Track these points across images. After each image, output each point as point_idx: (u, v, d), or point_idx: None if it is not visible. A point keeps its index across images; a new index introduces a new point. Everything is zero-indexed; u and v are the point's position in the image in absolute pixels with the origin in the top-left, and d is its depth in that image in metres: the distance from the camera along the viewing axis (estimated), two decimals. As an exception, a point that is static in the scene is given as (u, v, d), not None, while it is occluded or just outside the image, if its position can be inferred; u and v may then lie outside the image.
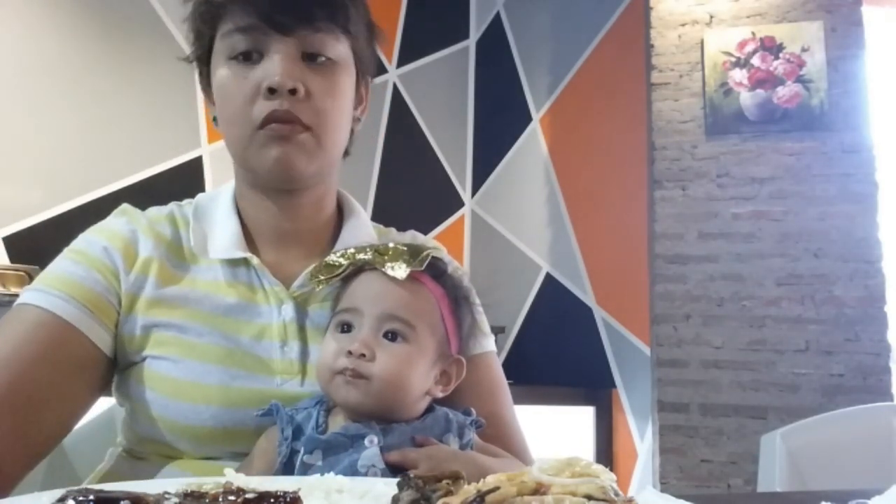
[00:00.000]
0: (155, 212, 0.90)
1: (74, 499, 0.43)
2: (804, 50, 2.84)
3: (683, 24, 2.99)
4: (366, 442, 0.69)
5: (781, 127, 2.84)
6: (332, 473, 0.60)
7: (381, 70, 3.49)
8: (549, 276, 3.50)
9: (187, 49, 0.89)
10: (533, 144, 3.64)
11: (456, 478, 0.48)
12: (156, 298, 0.81)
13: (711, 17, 2.97)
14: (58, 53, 2.43)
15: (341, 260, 0.78)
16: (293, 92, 0.78)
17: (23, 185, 2.32)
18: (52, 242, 0.87)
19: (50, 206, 2.36)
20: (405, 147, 3.59)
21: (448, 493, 0.46)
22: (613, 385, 3.26)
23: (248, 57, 0.80)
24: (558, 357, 3.38)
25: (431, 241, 0.97)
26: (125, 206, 0.90)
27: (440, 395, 0.78)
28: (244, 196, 0.90)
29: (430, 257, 0.77)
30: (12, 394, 0.72)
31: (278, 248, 0.89)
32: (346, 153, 0.93)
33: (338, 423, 0.73)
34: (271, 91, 0.78)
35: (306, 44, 0.80)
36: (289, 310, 0.83)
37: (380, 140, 3.51)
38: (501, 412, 0.89)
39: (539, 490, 0.45)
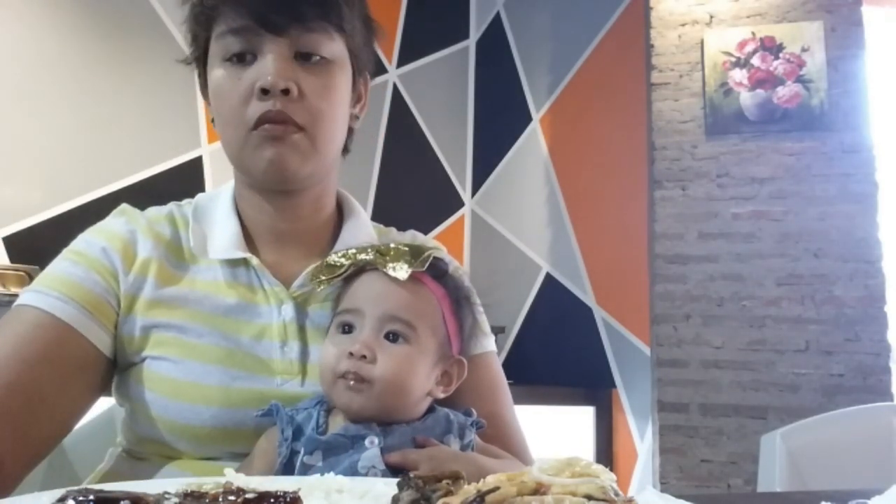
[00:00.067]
0: (154, 212, 0.90)
1: (74, 499, 0.43)
2: (804, 50, 2.84)
3: (683, 24, 2.99)
4: (366, 443, 0.69)
5: (781, 127, 2.84)
6: (332, 474, 0.60)
7: (381, 70, 3.49)
8: (549, 276, 3.50)
9: (187, 50, 0.89)
10: (533, 144, 3.64)
11: (456, 478, 0.48)
12: (155, 299, 0.81)
13: (711, 17, 2.97)
14: (58, 53, 2.43)
15: (342, 260, 0.78)
16: (286, 92, 0.78)
17: (23, 185, 2.32)
18: (52, 242, 0.87)
19: (50, 206, 2.36)
20: (405, 147, 3.59)
21: (448, 493, 0.46)
22: (613, 385, 3.26)
23: (242, 58, 0.80)
24: (558, 357, 3.38)
25: (432, 241, 0.97)
26: (124, 207, 0.90)
27: (441, 395, 0.78)
28: (243, 196, 0.90)
29: (431, 258, 0.77)
30: (11, 395, 0.72)
31: (278, 249, 0.89)
32: (346, 151, 0.93)
33: (338, 423, 0.73)
34: (264, 91, 0.78)
35: (299, 43, 0.80)
36: (289, 310, 0.83)
37: (380, 140, 3.51)
38: (501, 412, 0.89)
39: (539, 490, 0.45)
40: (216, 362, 0.79)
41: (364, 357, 0.72)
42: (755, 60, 2.88)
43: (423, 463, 0.68)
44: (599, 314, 3.34)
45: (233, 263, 0.85)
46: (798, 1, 2.89)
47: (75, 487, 0.45)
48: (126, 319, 0.81)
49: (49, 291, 0.78)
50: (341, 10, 0.82)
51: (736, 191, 2.86)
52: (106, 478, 0.82)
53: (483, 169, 3.77)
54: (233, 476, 0.52)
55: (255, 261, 0.84)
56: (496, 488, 0.44)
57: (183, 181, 2.68)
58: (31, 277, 1.96)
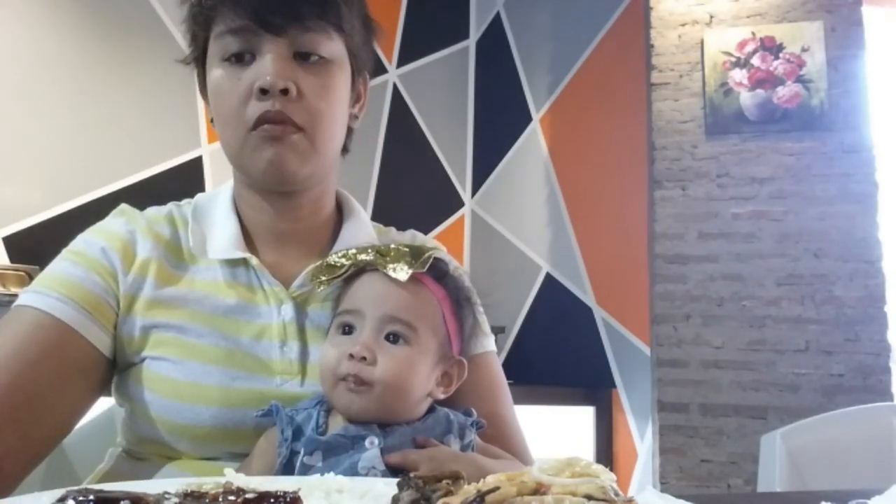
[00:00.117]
0: (153, 212, 0.90)
1: (74, 499, 0.43)
2: (804, 50, 2.84)
3: (683, 24, 2.99)
4: (366, 443, 0.69)
5: (781, 127, 2.84)
6: (332, 474, 0.60)
7: (381, 70, 3.49)
8: (549, 276, 3.50)
9: (187, 50, 0.89)
10: (533, 144, 3.64)
11: (456, 478, 0.48)
12: (155, 299, 0.81)
13: (711, 17, 2.97)
14: (58, 53, 2.43)
15: (343, 260, 0.77)
16: (285, 92, 0.78)
17: (23, 185, 2.32)
18: (52, 242, 0.87)
19: (50, 206, 2.36)
20: (405, 147, 3.59)
21: (448, 493, 0.46)
22: (613, 385, 3.26)
23: (241, 58, 0.80)
24: (558, 357, 3.38)
25: (432, 241, 0.97)
26: (123, 207, 0.90)
27: (441, 396, 0.78)
28: (242, 196, 0.90)
29: (432, 259, 0.77)
30: (11, 396, 0.72)
31: (277, 249, 0.89)
32: (346, 150, 0.93)
33: (338, 423, 0.73)
34: (263, 92, 0.78)
35: (298, 43, 0.80)
36: (288, 310, 0.83)
37: (380, 140, 3.51)
38: (501, 412, 0.89)
39: (539, 490, 0.45)
40: (216, 362, 0.78)
41: (364, 359, 0.72)
42: (755, 60, 2.88)
43: (424, 463, 0.68)
44: (599, 314, 3.34)
45: (232, 263, 0.85)
46: (798, 1, 2.89)
47: (75, 487, 0.45)
48: (125, 320, 0.81)
49: (48, 292, 0.78)
50: (340, 9, 0.82)
51: (736, 191, 2.86)
52: (106, 478, 0.82)
53: (483, 169, 3.77)
54: (233, 476, 0.52)
55: (254, 261, 0.84)
56: (496, 488, 0.44)
57: (183, 181, 2.68)
58: (30, 277, 1.96)
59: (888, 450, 1.41)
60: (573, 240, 3.46)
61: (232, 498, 0.45)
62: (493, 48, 3.80)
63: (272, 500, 0.45)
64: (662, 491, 0.83)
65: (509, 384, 0.95)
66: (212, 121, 0.87)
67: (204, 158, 2.78)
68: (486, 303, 0.87)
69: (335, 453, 0.69)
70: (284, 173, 0.81)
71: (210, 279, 0.84)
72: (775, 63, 2.86)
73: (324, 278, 0.77)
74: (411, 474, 0.50)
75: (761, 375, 2.73)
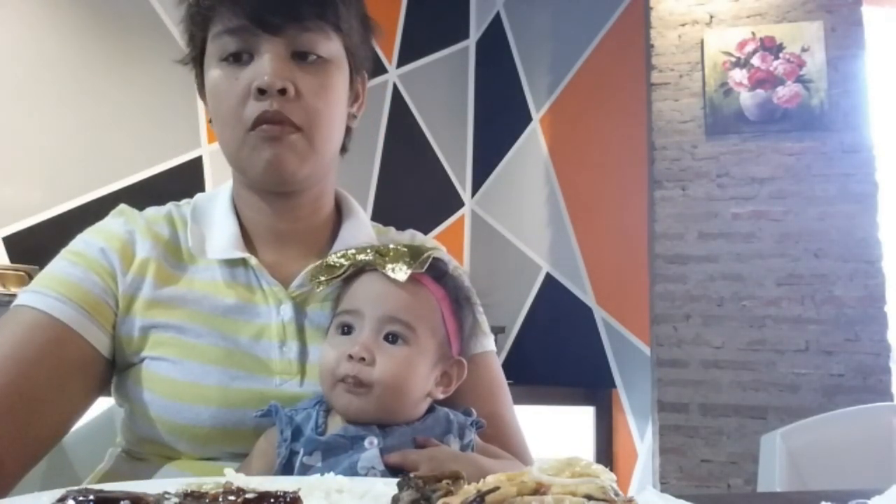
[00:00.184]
0: (153, 212, 0.90)
1: (74, 499, 0.43)
2: (804, 50, 2.84)
3: (683, 24, 2.99)
4: (365, 443, 0.69)
5: (781, 127, 2.84)
6: (331, 474, 0.60)
7: (381, 70, 3.49)
8: (549, 276, 3.50)
9: (186, 50, 0.89)
10: (533, 144, 3.64)
11: (456, 478, 0.48)
12: (154, 299, 0.81)
13: (711, 17, 2.97)
14: (58, 53, 2.43)
15: (342, 261, 0.77)
16: (283, 92, 0.78)
17: (23, 185, 2.32)
18: (52, 242, 0.87)
19: (50, 206, 2.36)
20: (405, 147, 3.59)
21: (448, 494, 0.46)
22: (613, 385, 3.26)
23: (239, 58, 0.80)
24: (558, 357, 3.38)
25: (431, 241, 0.97)
26: (123, 207, 0.90)
27: (441, 396, 0.78)
28: (241, 196, 0.90)
29: (430, 258, 0.77)
30: (9, 395, 0.72)
31: (276, 249, 0.89)
32: (345, 150, 0.93)
33: (337, 423, 0.73)
34: (261, 91, 0.78)
35: (296, 43, 0.80)
36: (287, 310, 0.83)
37: (380, 140, 3.51)
38: (501, 412, 0.89)
39: (539, 490, 0.44)
40: (215, 362, 0.78)
41: (363, 359, 0.72)
42: (755, 60, 2.88)
43: (423, 463, 0.68)
44: (599, 314, 3.34)
45: (231, 263, 0.85)
46: (798, 1, 2.89)
47: (75, 487, 0.45)
48: (124, 320, 0.81)
49: (47, 292, 0.78)
50: (338, 9, 0.82)
51: (736, 191, 2.86)
52: (105, 478, 0.82)
53: (483, 169, 3.77)
54: (233, 476, 0.52)
55: (253, 261, 0.84)
56: (496, 488, 0.44)
57: (183, 181, 2.68)
58: (30, 277, 1.96)
59: (888, 450, 1.41)
60: (573, 240, 3.46)
61: (232, 498, 0.45)
62: (493, 48, 3.80)
63: (272, 500, 0.45)
64: (662, 491, 0.83)
65: (509, 384, 0.95)
66: (210, 121, 0.87)
67: (204, 158, 2.78)
68: (486, 303, 0.87)
69: (334, 453, 0.69)
70: (283, 173, 0.81)
71: (209, 279, 0.84)
72: (775, 63, 2.86)
73: (323, 279, 0.77)
74: (411, 474, 0.50)
75: (761, 375, 2.73)
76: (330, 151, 0.86)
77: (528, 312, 3.52)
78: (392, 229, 1.01)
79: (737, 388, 2.75)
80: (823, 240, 2.75)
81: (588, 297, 3.38)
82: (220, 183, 0.98)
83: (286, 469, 0.70)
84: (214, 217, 0.89)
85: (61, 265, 0.81)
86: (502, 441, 0.85)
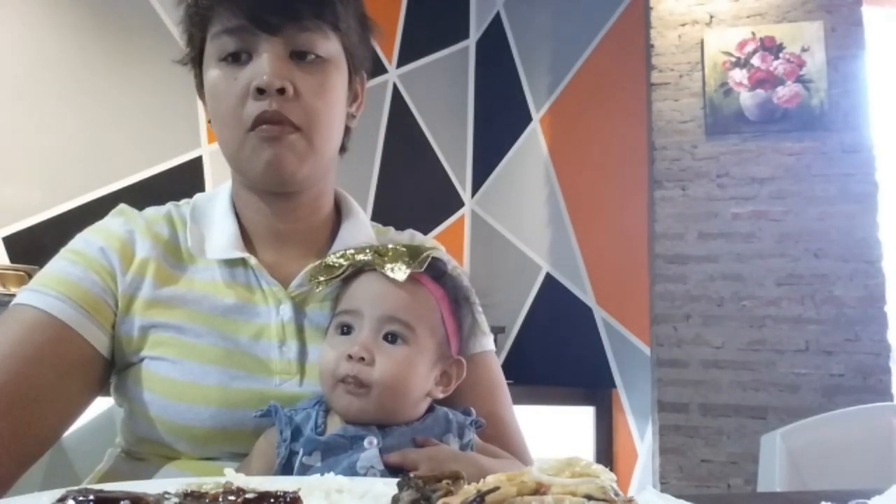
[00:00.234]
0: (152, 212, 0.90)
1: (74, 499, 0.43)
2: (804, 50, 2.84)
3: (683, 24, 2.99)
4: (365, 443, 0.69)
5: (781, 127, 2.84)
6: (331, 474, 0.60)
7: (381, 70, 3.49)
8: (549, 276, 3.50)
9: (185, 50, 0.89)
10: (533, 144, 3.64)
11: (456, 478, 0.48)
12: (153, 299, 0.81)
13: (711, 17, 2.97)
14: (58, 53, 2.43)
15: (341, 261, 0.77)
16: (282, 91, 0.78)
17: (23, 185, 2.32)
18: (52, 242, 0.87)
19: (50, 206, 2.36)
20: (405, 147, 3.59)
21: (448, 493, 0.46)
22: (613, 385, 3.26)
23: (237, 58, 0.80)
24: (558, 357, 3.38)
25: (430, 241, 0.97)
26: (122, 207, 0.90)
27: (440, 396, 0.78)
28: (241, 197, 0.90)
29: (430, 258, 0.77)
30: (8, 394, 0.72)
31: (276, 249, 0.89)
32: (344, 150, 0.93)
33: (337, 423, 0.73)
34: (260, 91, 0.78)
35: (295, 42, 0.80)
36: (287, 310, 0.83)
37: (380, 140, 3.51)
38: (500, 412, 0.89)
39: (539, 490, 0.44)
40: (214, 362, 0.78)
41: (363, 359, 0.72)
42: (755, 60, 2.88)
43: (423, 463, 0.68)
44: (599, 314, 3.34)
45: (231, 263, 0.85)
46: (798, 1, 2.89)
47: (75, 487, 0.45)
48: (124, 319, 0.81)
49: (47, 291, 0.78)
50: (336, 8, 0.82)
51: (736, 191, 2.86)
52: (104, 478, 0.82)
53: (483, 169, 3.77)
54: (233, 476, 0.52)
55: (252, 261, 0.84)
56: (496, 488, 0.44)
57: (183, 181, 2.68)
58: (30, 277, 1.95)
59: (888, 450, 1.41)
60: (573, 240, 3.46)
61: (232, 498, 0.45)
62: (493, 48, 3.80)
63: (272, 500, 0.45)
64: (662, 491, 0.83)
65: (509, 384, 0.95)
66: (209, 121, 0.87)
67: (204, 158, 2.78)
68: (486, 303, 0.87)
69: (334, 453, 0.69)
70: (283, 174, 0.81)
71: (209, 279, 0.84)
72: (775, 63, 2.86)
73: (322, 279, 0.77)
74: (411, 474, 0.50)
75: (761, 375, 2.73)
76: (329, 151, 0.86)
77: (528, 312, 3.52)
78: (391, 229, 1.01)
79: (737, 388, 2.75)
80: (823, 240, 2.75)
81: (588, 297, 3.38)
82: (220, 183, 0.98)
83: (286, 469, 0.70)
84: (214, 217, 0.89)
85: (61, 264, 0.81)
86: (502, 441, 0.85)
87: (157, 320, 0.80)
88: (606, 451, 3.16)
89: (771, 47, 2.87)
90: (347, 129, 0.91)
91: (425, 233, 1.02)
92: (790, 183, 2.81)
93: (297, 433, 0.72)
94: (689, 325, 2.83)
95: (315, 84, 0.81)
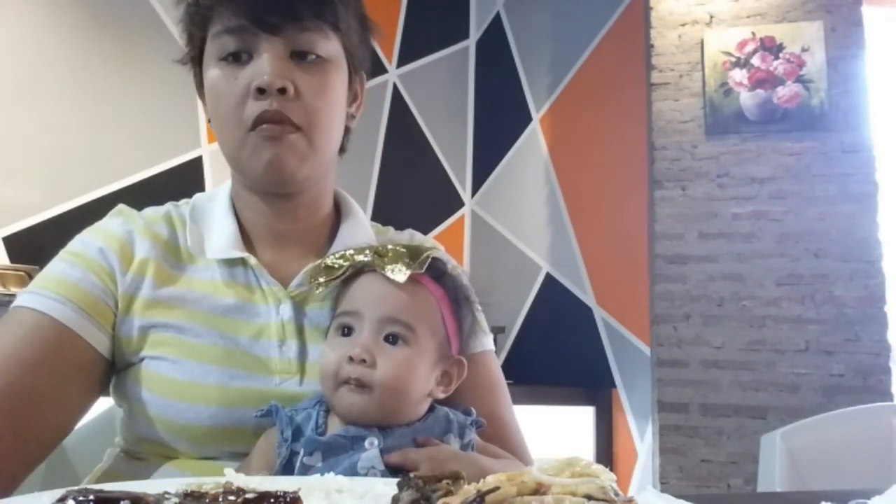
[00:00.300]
0: (151, 212, 0.90)
1: (74, 499, 0.43)
2: (804, 50, 2.84)
3: (683, 24, 2.99)
4: (366, 444, 0.69)
5: (781, 127, 2.84)
6: (331, 474, 0.60)
7: (381, 70, 3.49)
8: (549, 276, 3.50)
9: (185, 50, 0.89)
10: (533, 144, 3.64)
11: (456, 478, 0.48)
12: (153, 299, 0.81)
13: (711, 17, 2.97)
14: (58, 53, 2.43)
15: (340, 262, 0.77)
16: (282, 91, 0.78)
17: (23, 185, 2.32)
18: (52, 242, 0.87)
19: (50, 206, 2.36)
20: (405, 147, 3.59)
21: (448, 493, 0.46)
22: (613, 385, 3.26)
23: (238, 57, 0.80)
24: (558, 357, 3.38)
25: (430, 241, 0.97)
26: (121, 207, 0.90)
27: (441, 396, 0.78)
28: (240, 196, 0.90)
29: (430, 259, 0.77)
30: (10, 397, 0.72)
31: (275, 248, 0.89)
32: (343, 150, 0.93)
33: (337, 423, 0.73)
34: (260, 91, 0.78)
35: (295, 42, 0.80)
36: (287, 309, 0.83)
37: (380, 140, 3.51)
38: (500, 412, 0.89)
39: (539, 490, 0.44)
40: (214, 362, 0.78)
41: (364, 361, 0.71)
42: (755, 60, 2.88)
43: (424, 463, 0.68)
44: (599, 314, 3.34)
45: (230, 263, 0.85)
46: (798, 1, 2.89)
47: (75, 487, 0.45)
48: (124, 320, 0.81)
49: (46, 293, 0.78)
50: (336, 8, 0.82)
51: (736, 191, 2.86)
52: (104, 478, 0.82)
53: (483, 169, 3.77)
54: (233, 476, 0.52)
55: (252, 260, 0.84)
56: (496, 488, 0.44)
57: (183, 181, 2.68)
58: (30, 277, 1.96)
59: (888, 450, 1.41)
60: (573, 240, 3.46)
61: (232, 498, 0.45)
62: (493, 48, 3.80)
63: (272, 500, 0.45)
64: (662, 491, 0.83)
65: (509, 384, 0.95)
66: (209, 121, 0.87)
67: (204, 158, 2.78)
68: (486, 303, 0.87)
69: (335, 454, 0.69)
70: (283, 174, 0.81)
71: (208, 279, 0.84)
72: (775, 63, 2.86)
73: (322, 280, 0.77)
74: (411, 474, 0.50)
75: (761, 375, 2.73)
76: (329, 151, 0.86)
77: (528, 312, 3.52)
78: (391, 229, 1.01)
79: (737, 388, 2.75)
80: (823, 240, 2.75)
81: (588, 297, 3.38)
82: (220, 183, 0.98)
83: (286, 469, 0.70)
84: (213, 217, 0.89)
85: (60, 266, 0.81)
86: (502, 440, 0.85)
87: (157, 320, 0.80)
88: (606, 451, 3.16)
89: (771, 47, 2.87)
90: (347, 130, 0.91)
91: (425, 233, 1.02)
92: (790, 183, 2.81)
93: (297, 433, 0.71)
94: (689, 325, 2.83)
95: (315, 84, 0.81)
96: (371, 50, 0.93)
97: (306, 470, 0.68)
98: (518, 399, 0.95)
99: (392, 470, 0.68)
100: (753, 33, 2.90)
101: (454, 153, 3.75)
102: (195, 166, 2.76)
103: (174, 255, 0.86)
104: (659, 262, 2.91)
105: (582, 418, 3.19)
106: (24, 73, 2.35)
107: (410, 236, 1.00)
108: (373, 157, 3.49)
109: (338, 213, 0.95)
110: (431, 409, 0.77)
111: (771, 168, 2.83)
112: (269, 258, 0.87)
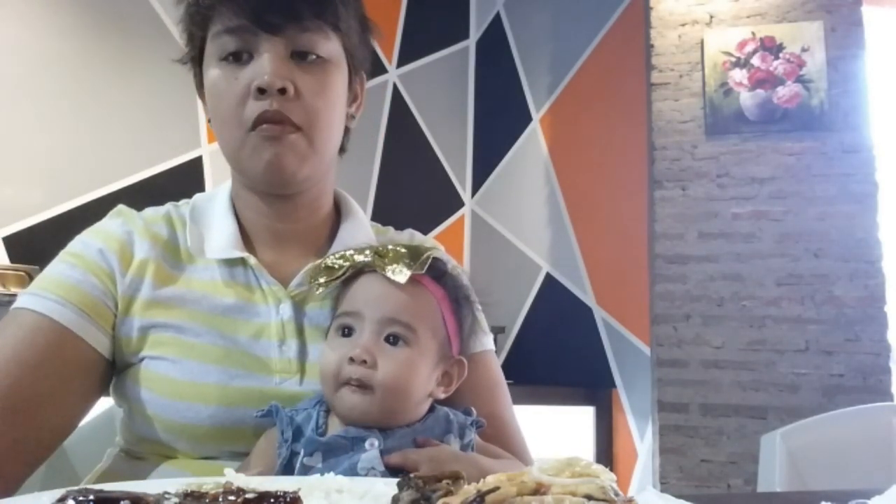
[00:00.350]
0: (151, 212, 0.90)
1: (74, 499, 0.43)
2: (804, 50, 2.84)
3: (683, 24, 2.99)
4: (366, 444, 0.69)
5: (781, 127, 2.84)
6: (331, 474, 0.60)
7: (381, 70, 3.49)
8: (549, 276, 3.50)
9: (185, 50, 0.89)
10: (533, 144, 3.64)
11: (456, 478, 0.48)
12: (153, 299, 0.81)
13: (711, 17, 2.97)
14: (58, 53, 2.43)
15: (341, 262, 0.77)
16: (283, 91, 0.78)
17: (23, 185, 2.32)
18: (52, 242, 0.87)
19: (50, 206, 2.36)
20: (405, 147, 3.59)
21: (448, 494, 0.46)
22: (613, 385, 3.26)
23: (238, 57, 0.80)
24: (558, 357, 3.38)
25: (430, 240, 0.97)
26: (121, 208, 0.90)
27: (442, 396, 0.78)
28: (240, 196, 0.90)
29: (430, 259, 0.77)
30: (11, 399, 0.72)
31: (275, 248, 0.89)
32: (343, 150, 0.93)
33: (337, 424, 0.73)
34: (261, 91, 0.78)
35: (296, 42, 0.80)
36: (287, 309, 0.83)
37: (380, 140, 3.51)
38: (500, 412, 0.89)
39: (539, 490, 0.44)
40: (214, 361, 0.78)
41: (364, 362, 0.71)
42: (755, 60, 2.88)
43: (424, 463, 0.68)
44: (599, 314, 3.34)
45: (230, 263, 0.85)
46: (798, 1, 2.89)
47: (75, 487, 0.45)
48: (124, 321, 0.81)
49: (46, 294, 0.78)
50: (337, 9, 0.82)
51: (736, 191, 2.86)
52: (103, 478, 0.82)
53: (483, 169, 3.77)
54: (233, 476, 0.52)
55: (252, 260, 0.84)
56: (496, 488, 0.44)
57: (183, 181, 2.68)
58: (30, 277, 1.96)
59: (888, 450, 1.41)
60: (573, 240, 3.46)
61: (232, 498, 0.45)
62: (493, 48, 3.80)
63: (272, 500, 0.45)
64: (662, 491, 0.83)
65: (509, 384, 0.95)
66: (209, 121, 0.87)
67: (204, 158, 2.78)
68: (486, 303, 0.87)
69: (335, 454, 0.69)
70: (283, 174, 0.81)
71: (208, 279, 0.84)
72: (775, 63, 2.86)
73: (322, 280, 0.77)
74: (411, 474, 0.50)
75: (761, 375, 2.73)
76: (329, 151, 0.86)
77: (528, 312, 3.52)
78: (391, 229, 1.01)
79: (737, 388, 2.75)
80: (823, 240, 2.75)
81: (588, 297, 3.38)
82: (220, 183, 0.98)
83: (287, 469, 0.70)
84: (213, 217, 0.89)
85: (60, 267, 0.81)
86: (502, 441, 0.85)
87: (157, 320, 0.80)
88: (606, 451, 3.16)
89: (771, 47, 2.87)
90: (347, 130, 0.91)
91: (425, 233, 1.02)
92: (790, 183, 2.81)
93: (298, 434, 0.71)
94: (689, 325, 2.83)
95: (316, 84, 0.81)
96: (371, 50, 0.93)
97: (306, 470, 0.68)
98: (518, 399, 0.95)
99: (392, 471, 0.68)
100: (753, 33, 2.90)
101: (454, 153, 3.75)
102: (195, 166, 2.76)
103: (174, 256, 0.86)
104: (659, 262, 2.91)
105: (582, 418, 3.19)
106: (24, 73, 2.34)
107: (410, 236, 1.00)
108: (373, 157, 3.49)
109: (338, 213, 0.95)
110: (431, 409, 0.77)
111: (771, 168, 2.83)
112: (269, 258, 0.87)
